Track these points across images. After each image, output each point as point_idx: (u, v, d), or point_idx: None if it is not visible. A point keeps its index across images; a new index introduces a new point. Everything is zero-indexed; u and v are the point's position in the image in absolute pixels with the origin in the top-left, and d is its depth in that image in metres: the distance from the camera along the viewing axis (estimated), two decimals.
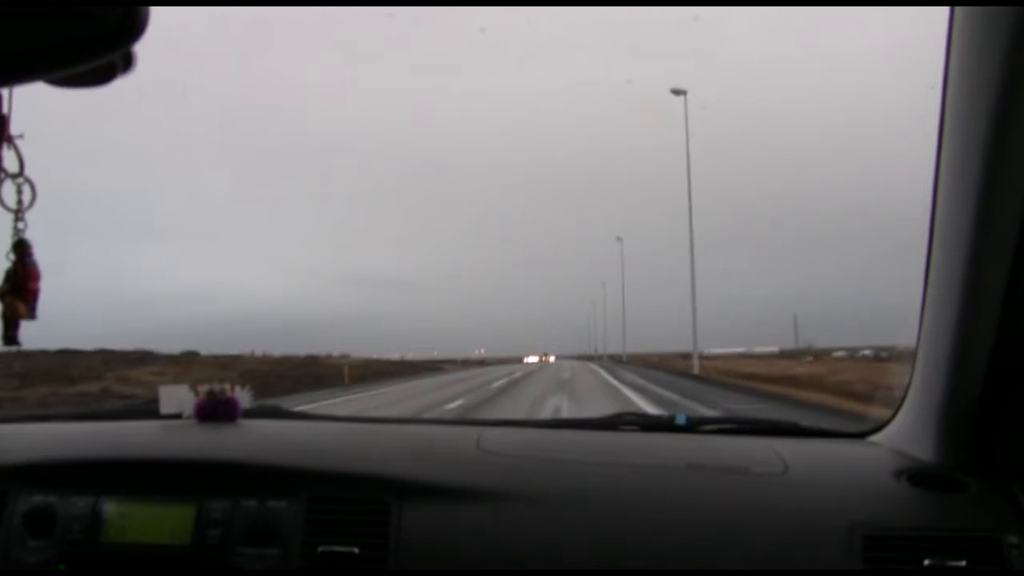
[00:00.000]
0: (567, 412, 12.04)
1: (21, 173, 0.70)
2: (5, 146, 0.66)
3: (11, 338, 0.70)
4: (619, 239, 57.15)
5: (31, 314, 0.71)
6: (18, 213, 0.72)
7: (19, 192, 0.71)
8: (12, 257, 0.72)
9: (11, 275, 0.71)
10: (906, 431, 1.35)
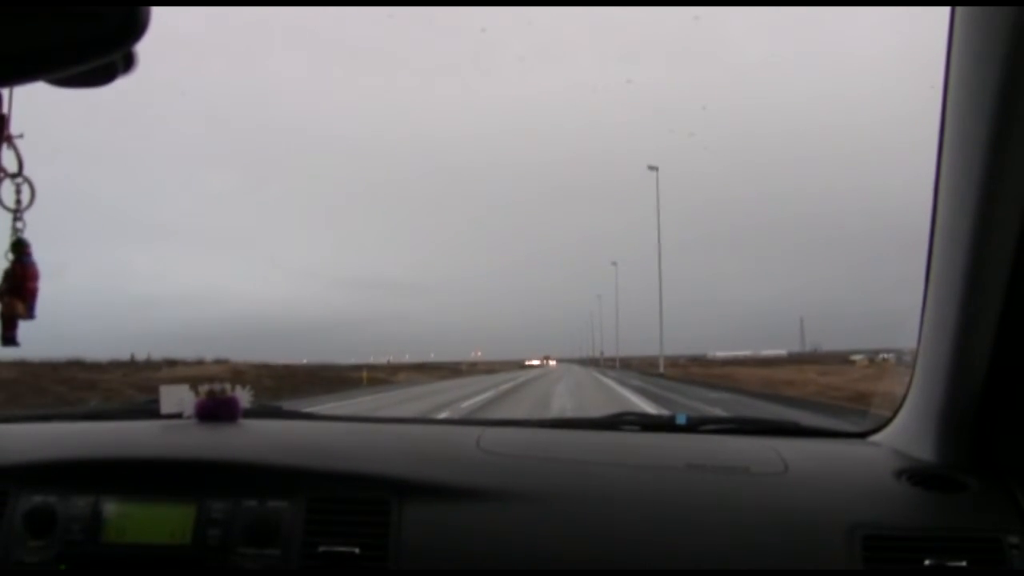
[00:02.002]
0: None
1: (20, 173, 0.70)
2: (4, 146, 0.66)
3: (9, 338, 0.69)
4: (653, 168, 35.33)
5: (29, 314, 0.71)
6: (17, 213, 0.72)
7: (18, 192, 0.71)
8: (11, 257, 0.72)
9: (9, 275, 0.71)
10: (906, 431, 1.35)
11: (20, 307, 0.70)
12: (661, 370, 34.41)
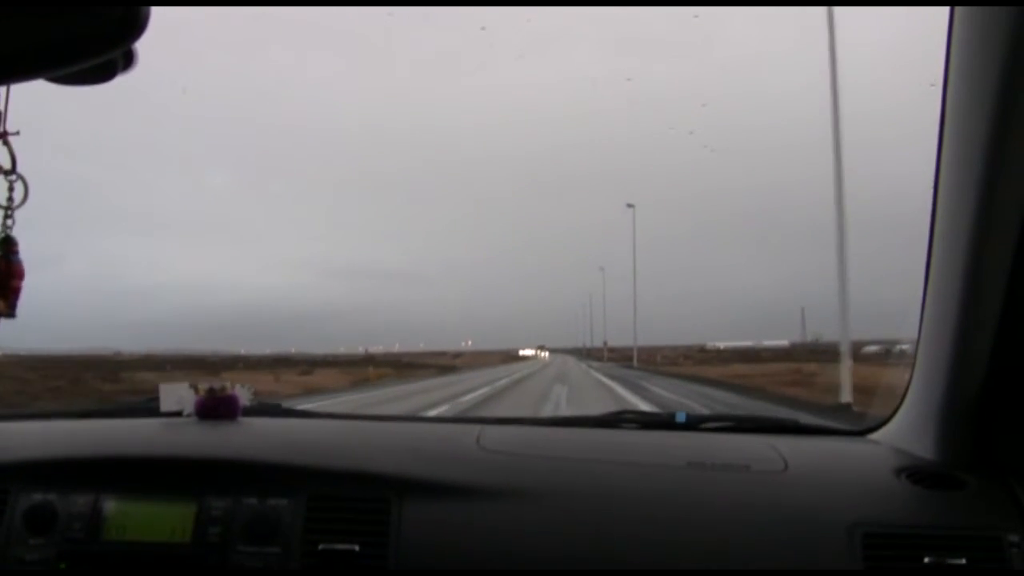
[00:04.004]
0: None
1: (13, 170, 0.70)
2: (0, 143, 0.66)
3: None
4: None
5: (10, 312, 0.70)
6: (8, 210, 0.71)
7: (11, 189, 0.71)
8: None
9: None
10: (906, 429, 1.35)
11: (1, 304, 0.69)
12: (846, 398, 12.05)
